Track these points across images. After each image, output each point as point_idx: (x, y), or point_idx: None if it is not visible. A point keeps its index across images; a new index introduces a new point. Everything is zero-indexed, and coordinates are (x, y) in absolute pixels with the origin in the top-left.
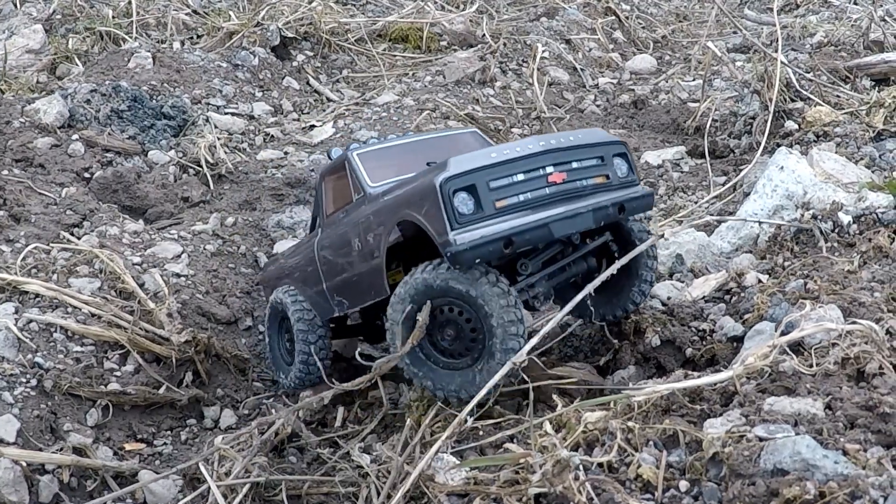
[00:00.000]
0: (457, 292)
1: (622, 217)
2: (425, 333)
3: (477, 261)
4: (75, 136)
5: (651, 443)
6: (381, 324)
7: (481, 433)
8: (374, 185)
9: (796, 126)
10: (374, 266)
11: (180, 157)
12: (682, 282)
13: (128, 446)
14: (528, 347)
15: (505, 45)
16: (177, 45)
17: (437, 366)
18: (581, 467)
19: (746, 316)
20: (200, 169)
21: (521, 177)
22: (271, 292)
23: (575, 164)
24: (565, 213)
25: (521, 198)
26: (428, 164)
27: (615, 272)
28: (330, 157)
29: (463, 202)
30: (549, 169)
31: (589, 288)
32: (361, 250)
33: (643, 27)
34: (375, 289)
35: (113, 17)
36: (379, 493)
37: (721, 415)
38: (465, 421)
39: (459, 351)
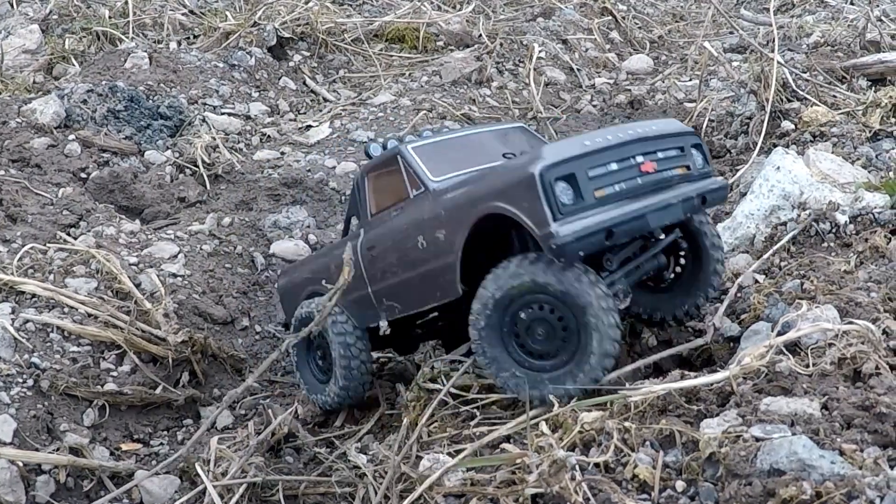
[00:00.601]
0: (579, 311)
1: (703, 209)
2: (512, 330)
3: (581, 253)
4: (72, 137)
5: (647, 443)
6: (417, 334)
7: (478, 433)
8: (437, 179)
9: (793, 126)
10: (447, 265)
11: (177, 158)
12: None
13: (124, 446)
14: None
15: (501, 45)
16: (173, 45)
17: (504, 350)
18: (577, 467)
19: (743, 316)
20: (197, 169)
21: (614, 166)
22: (294, 302)
23: (660, 154)
24: (658, 204)
25: (617, 188)
26: (504, 155)
27: (681, 271)
28: (369, 154)
29: (563, 192)
30: (640, 158)
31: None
32: (427, 248)
33: (640, 27)
34: (444, 289)
35: (109, 18)
36: (376, 493)
37: (717, 415)
38: (464, 421)
39: (533, 352)
